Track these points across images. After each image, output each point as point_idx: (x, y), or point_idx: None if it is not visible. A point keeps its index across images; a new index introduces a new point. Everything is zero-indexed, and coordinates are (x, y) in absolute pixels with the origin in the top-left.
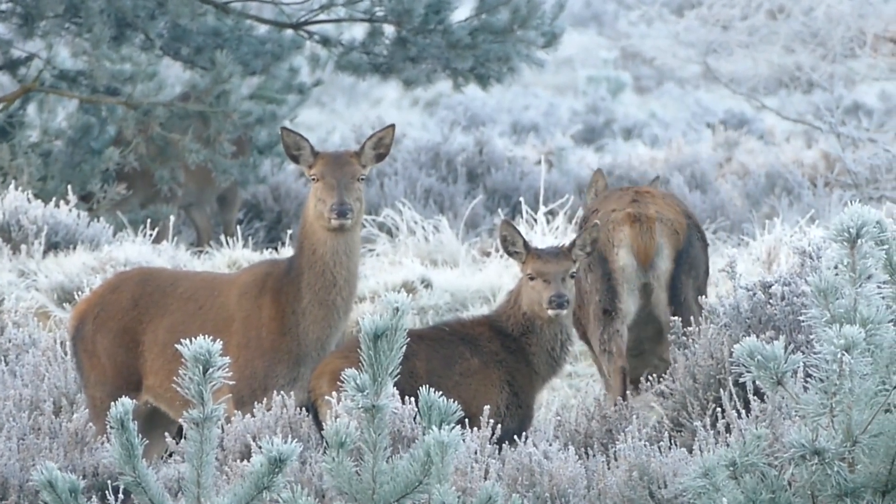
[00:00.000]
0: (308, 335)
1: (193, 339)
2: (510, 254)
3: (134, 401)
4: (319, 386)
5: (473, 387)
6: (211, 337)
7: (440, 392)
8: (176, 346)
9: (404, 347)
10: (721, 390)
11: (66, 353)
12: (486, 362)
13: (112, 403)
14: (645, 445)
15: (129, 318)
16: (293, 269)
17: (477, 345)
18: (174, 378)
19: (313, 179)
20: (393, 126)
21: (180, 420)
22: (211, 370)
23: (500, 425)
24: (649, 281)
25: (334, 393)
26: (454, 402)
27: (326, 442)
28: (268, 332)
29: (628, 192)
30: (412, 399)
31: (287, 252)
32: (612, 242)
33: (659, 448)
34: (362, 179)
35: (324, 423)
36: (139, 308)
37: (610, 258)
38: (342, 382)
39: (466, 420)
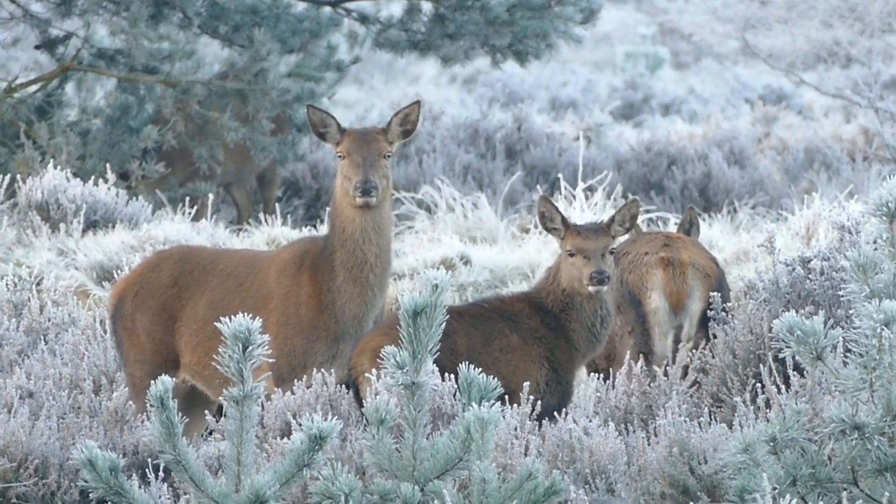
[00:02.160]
0: (345, 312)
1: (233, 316)
2: (549, 230)
3: (173, 379)
4: (360, 363)
5: (513, 363)
6: (250, 314)
7: (479, 369)
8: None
9: (444, 324)
10: (761, 366)
11: (105, 332)
12: (525, 339)
13: (151, 382)
14: (685, 421)
15: (169, 295)
16: (327, 248)
17: (517, 321)
18: (213, 356)
19: (340, 157)
20: (419, 102)
21: (219, 398)
22: (250, 348)
23: (539, 402)
24: (682, 324)
25: (374, 370)
26: (494, 378)
27: (366, 419)
28: (306, 310)
29: (659, 237)
30: (452, 376)
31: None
32: (645, 286)
33: (699, 424)
34: (389, 156)
35: (364, 400)
36: (178, 286)
37: (643, 301)
38: (383, 359)
39: (506, 397)
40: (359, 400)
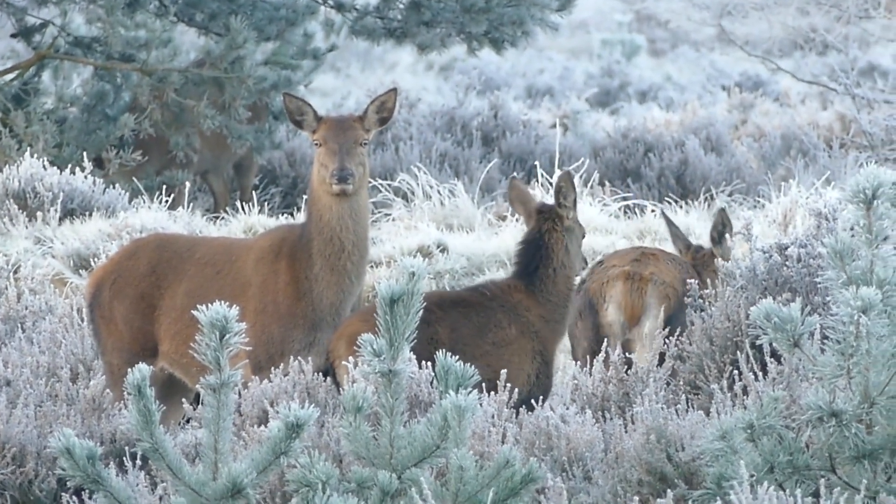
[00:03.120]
0: (322, 300)
1: (210, 304)
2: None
3: (150, 367)
4: (338, 349)
5: (506, 357)
6: (228, 302)
7: (465, 359)
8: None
9: (425, 313)
10: (738, 353)
11: (82, 320)
12: (523, 332)
13: (129, 370)
14: (662, 408)
15: (147, 283)
16: (304, 235)
17: (516, 313)
18: (191, 344)
19: (316, 144)
20: (395, 90)
21: (197, 386)
22: (227, 336)
23: (527, 393)
24: (633, 338)
25: (351, 357)
26: (480, 369)
27: (344, 407)
28: (284, 297)
29: (635, 251)
30: (429, 364)
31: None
32: (603, 297)
33: (676, 411)
34: (365, 144)
35: (342, 387)
36: (156, 274)
37: (600, 311)
38: (360, 346)
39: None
40: (337, 386)
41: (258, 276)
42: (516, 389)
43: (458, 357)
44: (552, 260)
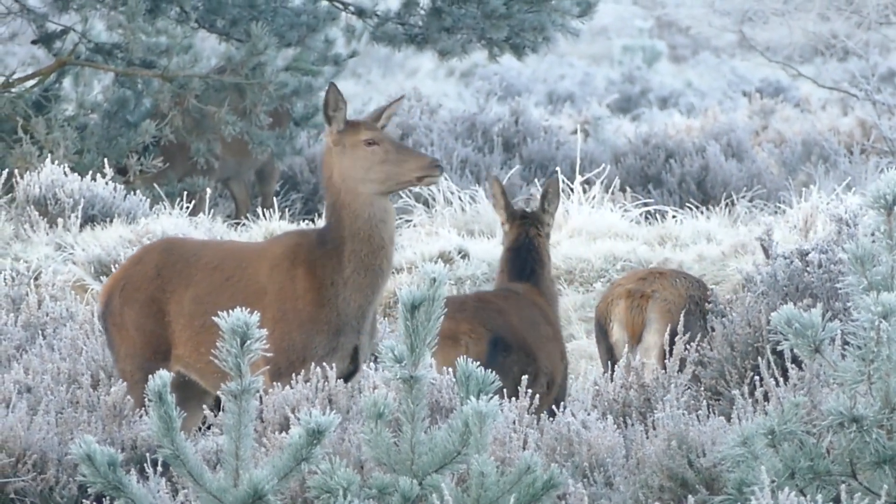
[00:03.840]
0: (350, 304)
1: (222, 310)
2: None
3: (170, 372)
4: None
5: (552, 354)
6: (242, 308)
7: (522, 342)
8: (205, 317)
9: (493, 305)
10: (759, 358)
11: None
12: (556, 332)
13: (150, 376)
14: (683, 414)
15: (154, 287)
16: (330, 240)
17: (546, 314)
18: (202, 349)
19: (369, 143)
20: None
21: (216, 391)
22: (248, 342)
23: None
24: (640, 354)
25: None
26: (542, 365)
27: (365, 413)
28: (305, 304)
29: (645, 271)
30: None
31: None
32: (609, 317)
33: (697, 417)
34: None
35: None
36: (162, 277)
37: (608, 332)
38: (451, 341)
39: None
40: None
41: (274, 283)
42: (529, 392)
43: (527, 355)
44: (545, 262)
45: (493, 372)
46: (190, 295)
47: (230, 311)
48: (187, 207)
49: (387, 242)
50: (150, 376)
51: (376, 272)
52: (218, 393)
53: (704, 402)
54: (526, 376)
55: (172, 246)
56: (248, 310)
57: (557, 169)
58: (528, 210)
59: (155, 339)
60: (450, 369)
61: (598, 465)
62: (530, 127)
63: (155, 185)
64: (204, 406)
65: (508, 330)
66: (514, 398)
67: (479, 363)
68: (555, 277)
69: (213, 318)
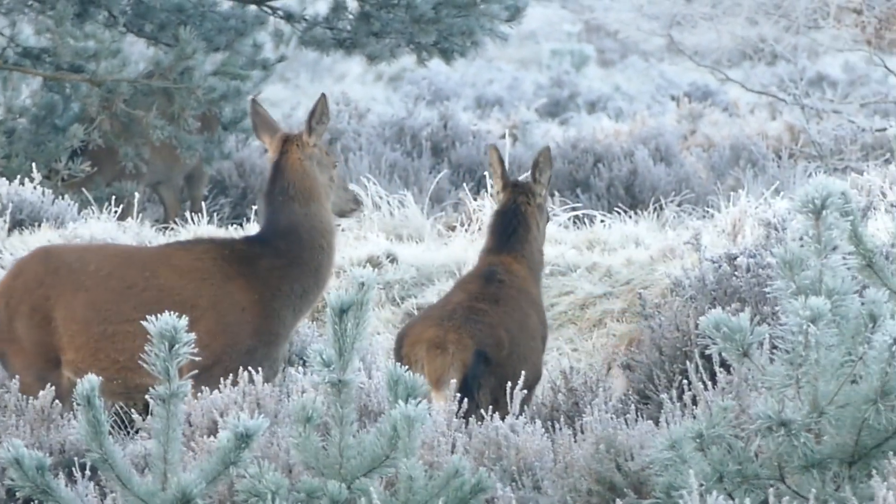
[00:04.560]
0: (300, 314)
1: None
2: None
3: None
4: (416, 353)
5: (538, 349)
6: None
7: (522, 362)
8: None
9: (482, 315)
10: (687, 362)
11: None
12: (542, 319)
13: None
14: (611, 418)
15: (37, 296)
16: (282, 251)
17: (532, 300)
18: (101, 355)
19: (334, 166)
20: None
21: (146, 397)
22: (177, 346)
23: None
24: None
25: (428, 361)
26: (531, 369)
27: (293, 417)
28: (251, 316)
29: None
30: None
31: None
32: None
33: (626, 421)
34: None
35: None
36: (45, 286)
37: None
38: (438, 349)
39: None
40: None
41: (206, 298)
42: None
43: (509, 367)
44: (530, 228)
45: (475, 380)
46: (81, 301)
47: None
48: (116, 212)
49: (335, 256)
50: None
51: (326, 284)
52: (147, 397)
53: (633, 406)
54: (508, 385)
55: (50, 254)
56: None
57: (486, 174)
58: (520, 180)
59: (44, 348)
60: (436, 376)
61: (527, 469)
62: (459, 131)
63: (83, 189)
64: (132, 410)
65: (493, 344)
66: (491, 407)
67: (463, 372)
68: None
69: (120, 326)
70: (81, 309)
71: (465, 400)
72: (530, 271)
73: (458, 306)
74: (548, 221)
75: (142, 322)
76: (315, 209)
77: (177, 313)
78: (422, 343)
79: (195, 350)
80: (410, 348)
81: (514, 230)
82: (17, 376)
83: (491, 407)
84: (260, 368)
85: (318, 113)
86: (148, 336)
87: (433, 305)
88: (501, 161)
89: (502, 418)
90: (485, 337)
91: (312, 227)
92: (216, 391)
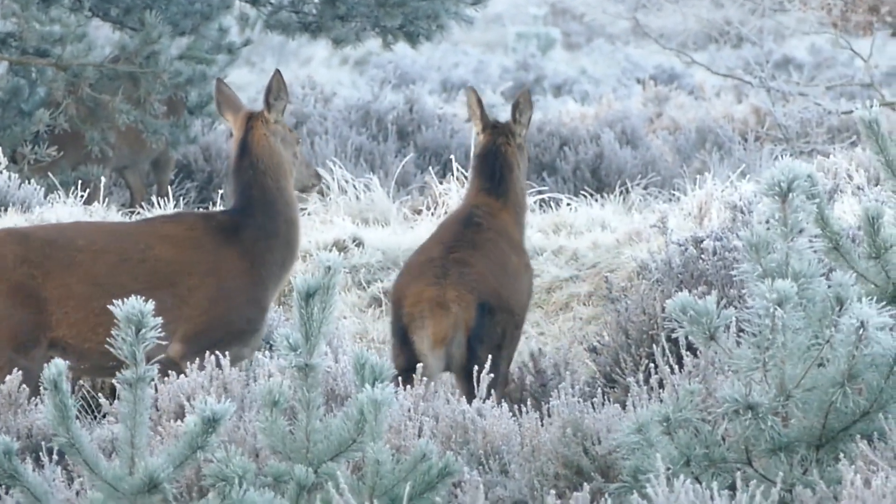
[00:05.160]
0: (277, 287)
1: (127, 292)
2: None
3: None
4: (419, 311)
5: (523, 290)
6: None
7: (514, 303)
8: (105, 299)
9: (470, 265)
10: (654, 346)
11: None
12: (525, 262)
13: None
14: (578, 402)
15: (18, 275)
16: (260, 224)
17: (513, 243)
18: (100, 330)
19: (298, 143)
20: (277, 70)
21: (113, 381)
22: (143, 330)
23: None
24: None
25: (430, 320)
26: (516, 307)
27: (260, 401)
28: (246, 283)
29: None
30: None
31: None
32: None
33: (592, 404)
34: None
35: (417, 348)
36: (28, 265)
37: None
38: (442, 309)
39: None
40: (410, 349)
41: (204, 265)
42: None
43: (507, 311)
44: (512, 169)
45: (478, 336)
46: (76, 277)
47: (138, 293)
48: (82, 196)
49: (301, 231)
50: (19, 366)
51: (294, 258)
52: (113, 381)
53: (599, 390)
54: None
55: (26, 235)
56: (161, 290)
57: (452, 157)
58: (500, 121)
59: (23, 328)
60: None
61: (494, 453)
62: (425, 115)
63: (49, 173)
64: (99, 395)
65: (490, 293)
66: (499, 359)
67: (468, 328)
68: None
69: (120, 299)
70: (77, 284)
71: (469, 357)
72: (512, 213)
73: (447, 262)
74: (529, 163)
75: (143, 292)
76: (283, 184)
77: (177, 281)
78: (423, 303)
79: (193, 316)
80: (413, 307)
81: (494, 172)
82: None
83: (491, 356)
84: (252, 338)
85: (275, 89)
86: (153, 306)
87: (420, 251)
88: (480, 102)
89: (502, 370)
90: (483, 288)
91: (284, 201)
92: (182, 376)
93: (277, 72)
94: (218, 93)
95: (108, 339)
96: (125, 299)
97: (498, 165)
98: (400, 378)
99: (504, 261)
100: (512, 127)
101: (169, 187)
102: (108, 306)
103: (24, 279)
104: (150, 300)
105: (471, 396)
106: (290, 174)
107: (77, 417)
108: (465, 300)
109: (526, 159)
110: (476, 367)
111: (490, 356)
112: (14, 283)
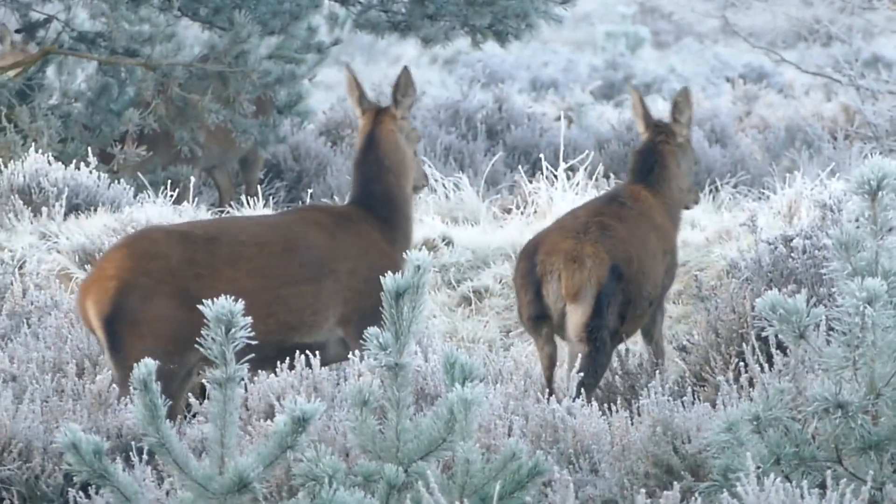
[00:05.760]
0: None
1: (293, 280)
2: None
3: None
4: (554, 262)
5: (658, 271)
6: (310, 276)
7: (646, 281)
8: (279, 290)
9: (612, 230)
10: (744, 344)
11: None
12: (668, 249)
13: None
14: (668, 400)
15: (186, 277)
16: (385, 217)
17: (655, 226)
18: (270, 320)
19: (416, 131)
20: (406, 67)
21: (203, 380)
22: (233, 330)
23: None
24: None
25: (566, 272)
26: (654, 283)
27: (350, 400)
28: (388, 265)
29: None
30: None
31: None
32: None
33: (682, 403)
34: None
35: (546, 300)
36: (195, 265)
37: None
38: (576, 263)
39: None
40: (540, 300)
41: (353, 247)
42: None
43: (636, 283)
44: (667, 166)
45: (607, 297)
46: (244, 272)
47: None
48: (171, 196)
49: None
50: (171, 369)
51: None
52: (203, 381)
53: (689, 389)
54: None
55: (185, 234)
56: (325, 275)
57: (541, 156)
58: (662, 120)
59: (184, 328)
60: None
61: (584, 452)
62: (514, 114)
63: (139, 173)
64: (189, 394)
65: (625, 258)
66: (620, 322)
67: (599, 285)
68: None
69: (290, 288)
70: (247, 279)
71: (594, 315)
72: (662, 203)
73: (590, 221)
74: (696, 163)
75: (309, 281)
76: (404, 181)
77: (336, 267)
78: (559, 254)
79: (352, 298)
80: (547, 257)
81: (648, 167)
82: (126, 362)
83: (614, 326)
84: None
85: (403, 85)
86: (316, 294)
87: (560, 218)
88: (643, 103)
89: (622, 340)
90: (619, 252)
91: (403, 197)
92: (272, 375)
93: (406, 68)
94: (350, 80)
95: (276, 328)
96: (295, 288)
97: (651, 161)
98: (525, 327)
99: (644, 237)
100: (672, 127)
101: (258, 187)
102: (281, 297)
103: (189, 281)
104: (318, 287)
105: (591, 356)
106: (411, 171)
107: (167, 417)
108: (601, 258)
109: (690, 160)
110: (600, 331)
111: (611, 322)
112: (179, 286)
